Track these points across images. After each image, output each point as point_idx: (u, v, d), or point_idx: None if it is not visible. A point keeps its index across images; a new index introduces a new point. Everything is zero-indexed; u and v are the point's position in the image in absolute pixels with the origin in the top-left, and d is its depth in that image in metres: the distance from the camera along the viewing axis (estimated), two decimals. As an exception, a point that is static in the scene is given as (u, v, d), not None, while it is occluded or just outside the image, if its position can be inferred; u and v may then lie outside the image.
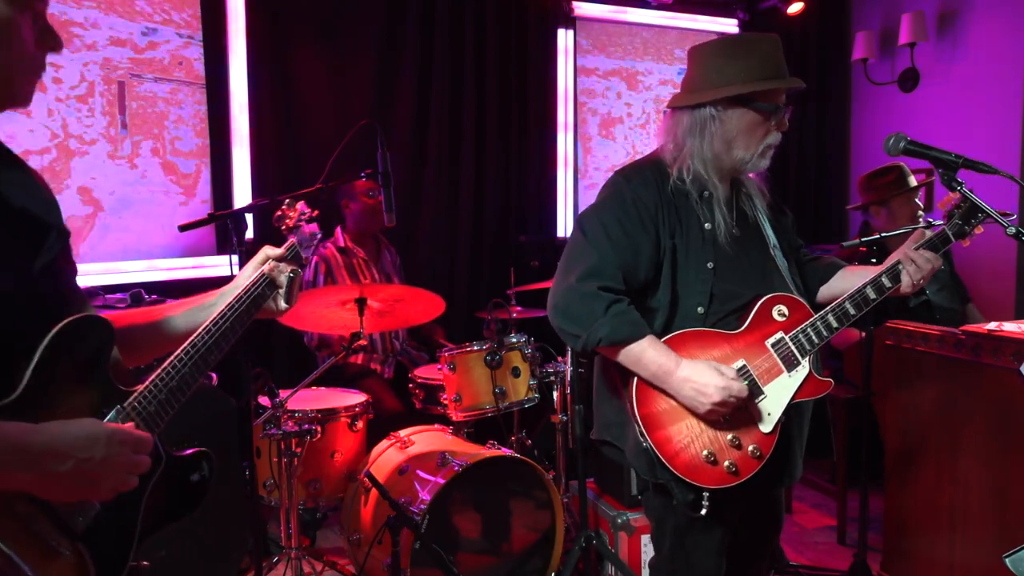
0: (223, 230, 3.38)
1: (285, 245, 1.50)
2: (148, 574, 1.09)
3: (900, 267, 1.79)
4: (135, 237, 3.41)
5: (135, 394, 1.06)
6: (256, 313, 1.34)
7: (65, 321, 0.97)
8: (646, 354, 1.66)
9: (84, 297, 1.15)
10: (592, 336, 1.66)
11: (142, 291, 2.88)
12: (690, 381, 1.64)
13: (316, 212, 1.61)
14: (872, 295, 1.78)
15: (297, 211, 1.58)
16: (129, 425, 1.02)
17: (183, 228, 2.23)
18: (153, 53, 3.43)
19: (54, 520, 0.94)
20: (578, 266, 1.71)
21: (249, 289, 1.32)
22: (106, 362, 1.05)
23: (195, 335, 1.17)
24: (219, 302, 1.31)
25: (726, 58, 1.75)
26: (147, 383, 1.08)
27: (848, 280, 1.89)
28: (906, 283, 1.79)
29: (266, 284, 1.36)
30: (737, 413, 1.69)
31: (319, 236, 1.60)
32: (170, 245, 3.54)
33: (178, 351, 1.14)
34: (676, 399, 1.67)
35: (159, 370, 1.10)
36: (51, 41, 1.07)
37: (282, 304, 1.40)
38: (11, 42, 1.01)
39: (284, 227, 1.57)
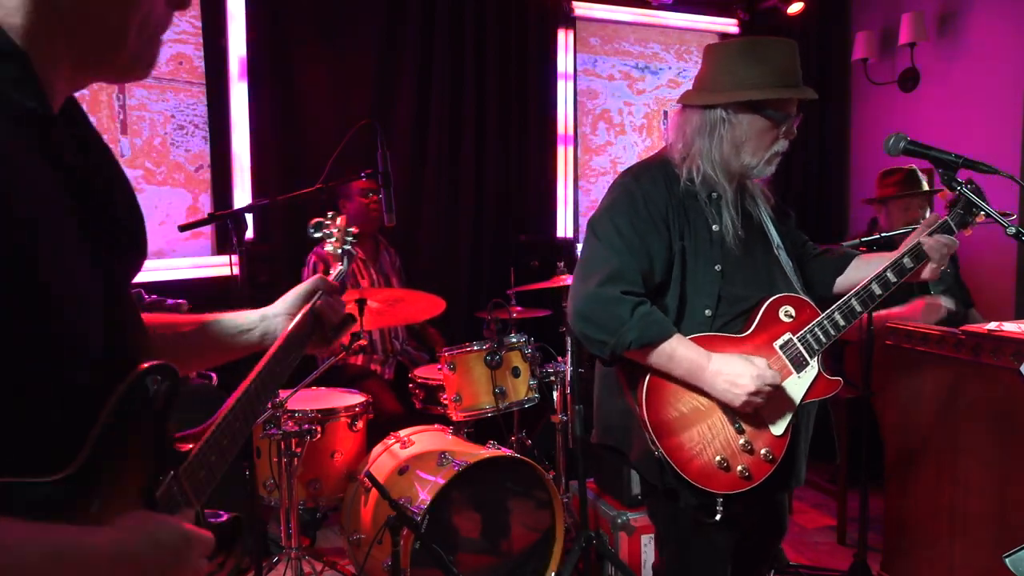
0: (223, 230, 3.38)
1: (335, 273, 1.39)
2: None
3: (922, 246, 1.79)
4: (135, 237, 3.41)
5: (188, 458, 0.91)
6: (301, 354, 1.20)
7: (138, 372, 0.80)
8: (677, 352, 1.64)
9: (142, 322, 0.95)
10: (621, 341, 1.63)
11: (142, 291, 2.88)
12: (722, 374, 1.62)
13: (357, 231, 1.50)
14: (893, 278, 1.77)
15: (342, 228, 1.46)
16: (202, 531, 0.86)
17: (183, 228, 2.24)
18: (153, 53, 3.43)
19: None
20: (598, 271, 1.68)
21: (297, 330, 1.17)
22: (167, 419, 0.87)
23: (242, 387, 1.03)
24: (256, 328, 1.19)
25: (742, 61, 1.73)
26: (200, 443, 0.93)
27: (864, 268, 1.88)
28: (929, 268, 1.79)
29: (314, 322, 1.23)
30: (750, 416, 1.68)
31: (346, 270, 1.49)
32: (170, 245, 3.54)
33: (227, 405, 1.00)
34: (710, 396, 1.66)
35: (211, 428, 0.96)
36: None
37: (318, 341, 1.26)
38: None
39: (329, 247, 1.44)
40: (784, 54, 1.74)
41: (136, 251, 0.91)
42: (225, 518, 0.99)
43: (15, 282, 0.68)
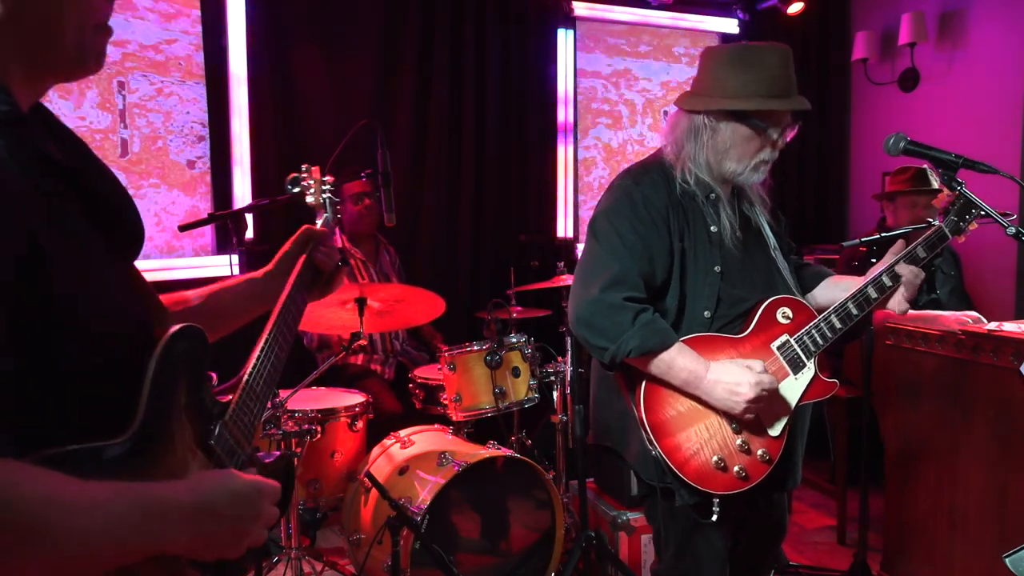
0: (223, 230, 3.39)
1: (320, 221, 1.43)
2: None
3: (898, 272, 1.78)
4: (135, 237, 3.41)
5: (231, 407, 0.99)
6: (307, 301, 1.28)
7: (167, 338, 0.87)
8: (676, 361, 1.64)
9: (154, 292, 1.03)
10: (622, 348, 1.63)
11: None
12: (721, 382, 1.63)
13: (332, 179, 1.55)
14: (873, 294, 1.77)
15: (318, 179, 1.50)
16: (259, 478, 0.93)
17: (183, 228, 2.23)
18: (153, 52, 3.43)
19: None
20: (599, 276, 1.68)
21: (299, 279, 1.25)
22: (204, 374, 0.96)
23: (263, 337, 1.10)
24: (267, 288, 1.26)
25: (730, 68, 1.72)
26: (238, 393, 1.01)
27: (831, 290, 1.88)
28: (898, 302, 1.77)
29: (312, 269, 1.30)
30: (748, 417, 1.68)
31: (338, 217, 1.53)
32: (170, 245, 3.54)
33: (253, 355, 1.07)
34: (707, 403, 1.66)
35: (244, 378, 1.03)
36: None
37: (316, 290, 1.34)
38: None
39: (310, 198, 1.48)
40: (776, 62, 1.71)
41: (136, 229, 0.97)
42: (276, 456, 1.08)
43: (48, 279, 0.75)
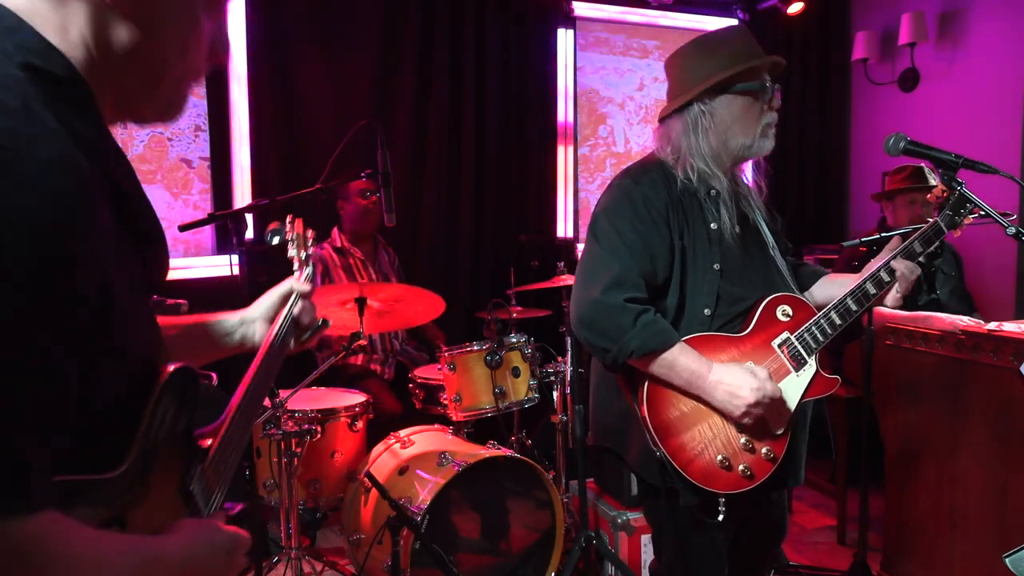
0: (223, 230, 3.38)
1: (304, 276, 1.41)
2: None
3: (894, 267, 1.79)
4: (135, 237, 3.41)
5: (210, 452, 0.98)
6: (284, 355, 1.26)
7: (168, 376, 0.85)
8: (678, 361, 1.64)
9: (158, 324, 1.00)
10: (623, 349, 1.63)
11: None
12: (723, 384, 1.63)
13: (313, 234, 1.52)
14: (872, 290, 1.78)
15: (300, 234, 1.47)
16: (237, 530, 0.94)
17: (183, 228, 2.23)
18: (153, 53, 3.43)
19: None
20: (600, 277, 1.68)
21: (275, 337, 1.22)
22: (193, 414, 0.94)
23: (242, 388, 1.09)
24: (236, 332, 1.24)
25: (698, 55, 1.77)
26: (218, 439, 1.00)
27: (828, 288, 1.89)
28: (893, 298, 1.78)
29: (291, 324, 1.28)
30: (747, 421, 1.68)
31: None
32: (170, 245, 3.53)
33: (233, 404, 1.06)
34: (709, 403, 1.66)
35: (224, 424, 1.02)
36: (221, 52, 0.90)
37: (293, 343, 1.31)
38: (188, 51, 0.84)
39: (291, 251, 1.45)
40: (735, 35, 1.78)
41: (166, 260, 0.95)
42: (239, 508, 1.06)
43: (93, 309, 0.71)
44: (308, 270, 1.47)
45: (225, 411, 1.04)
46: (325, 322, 1.35)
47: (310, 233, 1.51)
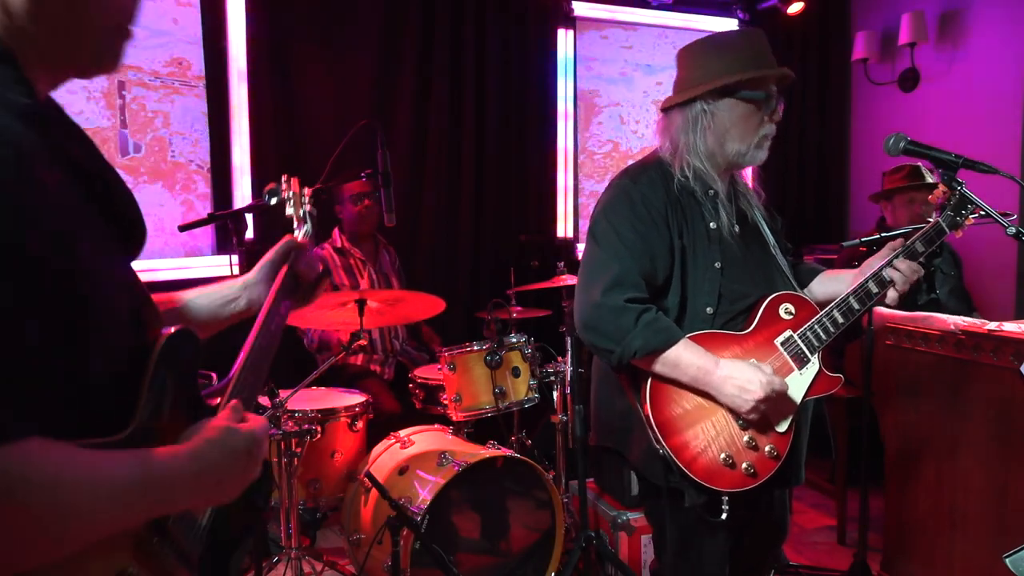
0: (223, 230, 3.38)
1: (302, 233, 1.42)
2: None
3: (897, 267, 1.79)
4: (135, 237, 3.40)
5: (219, 410, 1.00)
6: (289, 312, 1.28)
7: (165, 339, 0.89)
8: (683, 358, 1.64)
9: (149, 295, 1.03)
10: (627, 349, 1.63)
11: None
12: (732, 379, 1.63)
13: (311, 192, 1.53)
14: (874, 289, 1.78)
15: (297, 192, 1.49)
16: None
17: (183, 228, 2.23)
18: (153, 53, 3.43)
19: (178, 553, 0.90)
20: (600, 279, 1.68)
21: (279, 292, 1.24)
22: (197, 374, 0.98)
23: (247, 346, 1.10)
24: (241, 296, 1.26)
25: (711, 54, 1.76)
26: (225, 396, 1.02)
27: (827, 285, 1.90)
28: (892, 296, 1.78)
29: (294, 280, 1.30)
30: (753, 416, 1.68)
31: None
32: (170, 245, 3.53)
33: (239, 363, 1.07)
34: (715, 400, 1.66)
35: (232, 382, 1.04)
36: None
37: (301, 301, 1.34)
38: None
39: (289, 210, 1.47)
40: (751, 40, 1.77)
41: (143, 230, 0.98)
42: None
43: (69, 277, 0.76)
44: (307, 226, 1.48)
45: (231, 370, 1.06)
46: (327, 271, 1.35)
47: (307, 191, 1.52)
